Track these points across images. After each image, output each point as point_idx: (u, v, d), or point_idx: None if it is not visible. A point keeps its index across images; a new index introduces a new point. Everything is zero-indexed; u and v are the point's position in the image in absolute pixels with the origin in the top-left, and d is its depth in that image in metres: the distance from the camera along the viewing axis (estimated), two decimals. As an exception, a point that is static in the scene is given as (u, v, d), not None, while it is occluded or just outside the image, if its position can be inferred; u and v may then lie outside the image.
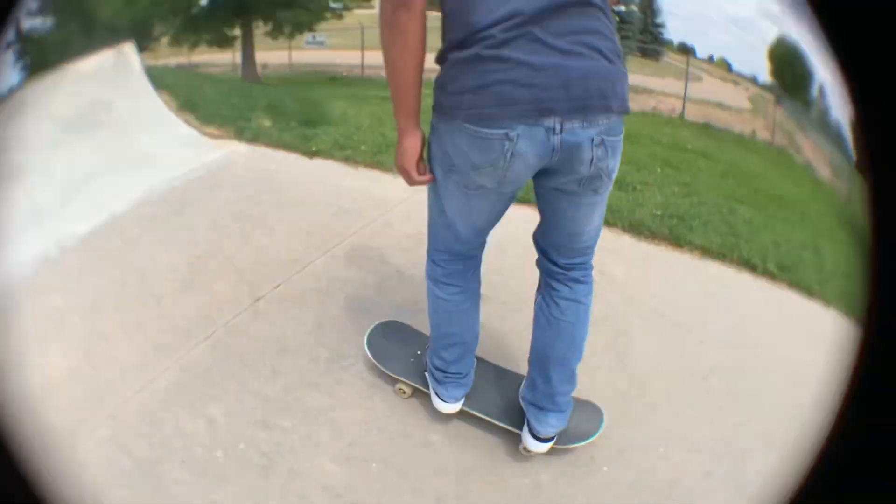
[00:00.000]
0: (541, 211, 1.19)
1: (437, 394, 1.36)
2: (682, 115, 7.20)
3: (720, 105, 7.20)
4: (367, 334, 1.69)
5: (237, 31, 5.41)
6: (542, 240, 1.23)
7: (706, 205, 2.89)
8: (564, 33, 0.92)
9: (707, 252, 2.38)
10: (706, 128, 6.46)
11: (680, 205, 2.81)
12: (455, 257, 1.24)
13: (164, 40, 5.18)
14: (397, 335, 1.66)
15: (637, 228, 2.54)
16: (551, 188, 1.09)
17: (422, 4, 0.94)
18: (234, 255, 2.49)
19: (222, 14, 5.18)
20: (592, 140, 0.97)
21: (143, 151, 3.57)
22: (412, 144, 1.06)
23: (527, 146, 0.96)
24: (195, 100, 4.16)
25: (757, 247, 2.41)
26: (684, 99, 7.57)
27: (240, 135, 3.74)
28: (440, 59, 1.01)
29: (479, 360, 1.46)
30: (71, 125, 3.66)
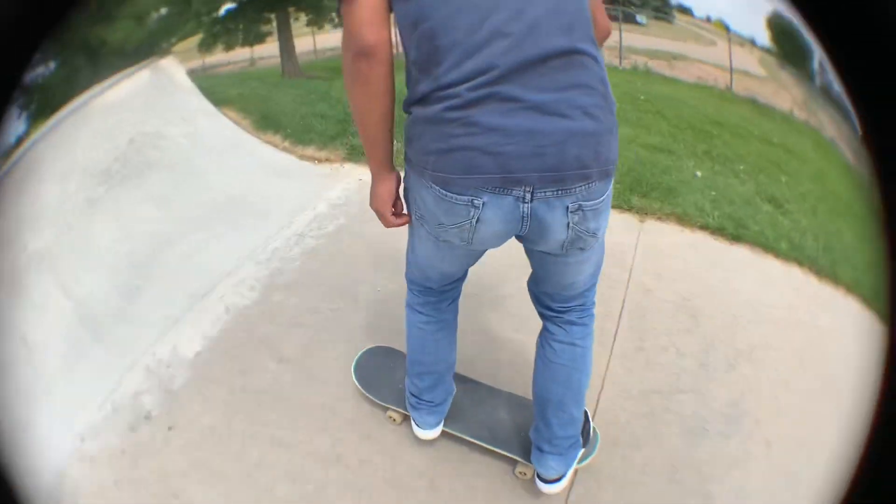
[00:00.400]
0: (530, 263, 1.11)
1: (413, 419, 1.31)
2: (730, 89, 6.81)
3: (746, 73, 6.91)
4: (353, 363, 1.48)
5: (272, 26, 4.43)
6: (535, 287, 1.16)
7: (828, 230, 2.51)
8: (545, 89, 0.81)
9: (850, 290, 1.97)
10: (755, 105, 6.03)
11: (821, 230, 2.42)
12: (428, 290, 1.18)
13: (177, 47, 4.07)
14: (384, 361, 1.48)
15: (823, 270, 2.06)
16: (534, 250, 1.02)
17: (386, 52, 0.83)
18: (493, 369, 1.38)
19: (254, 10, 4.12)
20: (568, 208, 0.88)
21: (228, 193, 2.34)
22: (386, 189, 1.00)
23: (493, 214, 0.88)
24: (273, 113, 2.95)
25: (864, 275, 2.07)
26: (731, 72, 7.08)
27: (354, 156, 2.54)
28: (405, 109, 0.92)
29: (472, 381, 1.42)
30: (108, 174, 2.40)
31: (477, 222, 0.89)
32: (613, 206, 2.27)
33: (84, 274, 2.06)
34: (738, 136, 4.05)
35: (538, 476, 1.20)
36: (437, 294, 1.19)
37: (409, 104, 0.89)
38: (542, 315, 1.17)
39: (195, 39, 4.22)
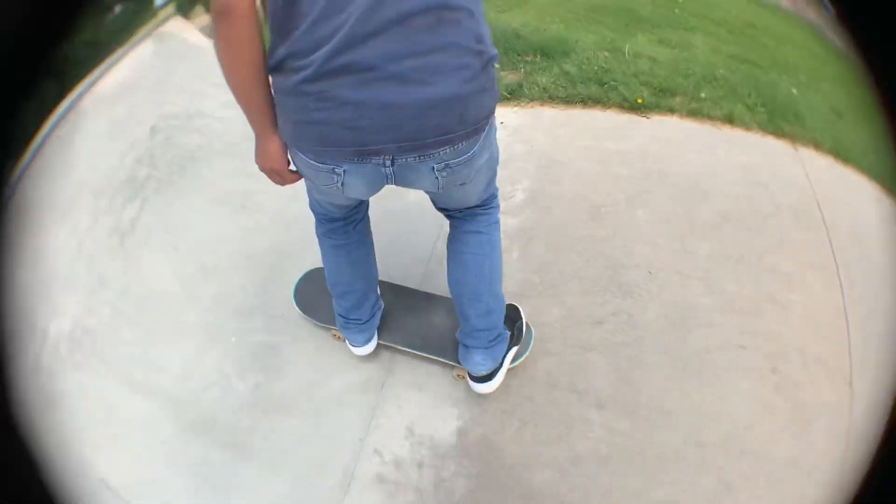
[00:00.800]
0: None
1: (345, 338, 1.28)
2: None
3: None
4: (293, 289, 1.36)
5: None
6: (432, 200, 1.11)
7: (887, 145, 2.04)
8: (405, 55, 0.75)
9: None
10: (777, 9, 5.86)
11: (883, 147, 1.80)
12: (331, 219, 1.14)
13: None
14: (323, 283, 1.31)
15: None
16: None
17: (244, 10, 0.73)
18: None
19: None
20: (434, 168, 0.84)
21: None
22: (275, 146, 0.89)
23: (356, 179, 0.86)
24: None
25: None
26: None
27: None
28: (270, 71, 0.83)
29: (406, 289, 1.37)
30: (134, 184, 1.59)
31: (342, 185, 0.87)
32: (770, 132, 1.93)
33: (162, 346, 1.24)
34: (772, 37, 3.69)
35: (469, 375, 1.17)
36: (340, 221, 1.15)
37: (269, 70, 0.81)
38: (447, 217, 1.14)
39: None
